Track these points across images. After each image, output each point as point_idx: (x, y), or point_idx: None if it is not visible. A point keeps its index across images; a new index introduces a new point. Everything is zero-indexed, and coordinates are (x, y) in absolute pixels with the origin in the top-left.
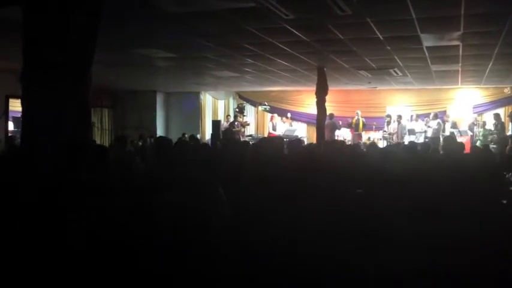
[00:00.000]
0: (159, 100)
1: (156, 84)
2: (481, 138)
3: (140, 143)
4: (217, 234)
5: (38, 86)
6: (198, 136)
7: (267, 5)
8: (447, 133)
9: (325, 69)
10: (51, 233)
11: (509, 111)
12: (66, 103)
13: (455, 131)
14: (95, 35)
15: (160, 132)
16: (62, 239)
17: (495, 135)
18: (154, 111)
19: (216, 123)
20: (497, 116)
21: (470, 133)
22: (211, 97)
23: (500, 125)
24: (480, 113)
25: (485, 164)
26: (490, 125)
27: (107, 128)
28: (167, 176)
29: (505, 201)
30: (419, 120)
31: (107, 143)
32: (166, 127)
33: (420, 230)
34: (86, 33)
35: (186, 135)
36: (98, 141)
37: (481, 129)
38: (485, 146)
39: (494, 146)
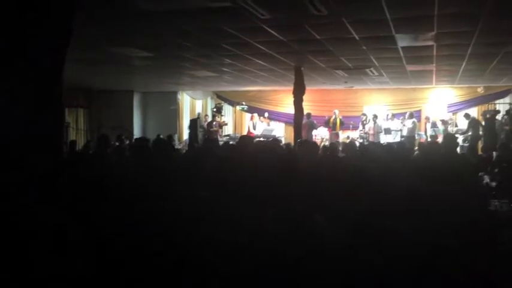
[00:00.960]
0: (136, 100)
1: (133, 84)
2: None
3: (117, 144)
4: (195, 237)
5: (7, 86)
6: (176, 136)
7: (243, 4)
8: (429, 132)
9: (302, 68)
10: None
11: (482, 110)
12: (37, 103)
13: (431, 130)
14: (68, 34)
15: (137, 132)
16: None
17: (468, 134)
18: (131, 111)
19: (193, 122)
20: (467, 116)
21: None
22: (189, 97)
23: (470, 124)
24: (454, 112)
25: (460, 165)
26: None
27: (82, 129)
28: (145, 178)
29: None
30: (395, 119)
31: (82, 144)
32: (144, 127)
33: (398, 229)
34: (58, 32)
35: (162, 136)
36: None
37: (442, 127)
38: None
39: (466, 144)
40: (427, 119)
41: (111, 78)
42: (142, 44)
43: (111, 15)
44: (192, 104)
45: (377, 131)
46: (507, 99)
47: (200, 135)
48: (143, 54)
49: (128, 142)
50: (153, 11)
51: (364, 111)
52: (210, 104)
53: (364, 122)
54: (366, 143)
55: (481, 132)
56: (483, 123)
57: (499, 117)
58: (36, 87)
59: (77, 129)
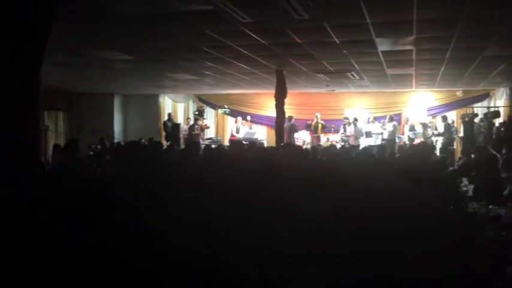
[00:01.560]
0: (117, 103)
1: (113, 87)
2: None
3: (99, 147)
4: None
5: None
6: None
7: (225, 8)
8: (406, 135)
9: (283, 72)
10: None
11: (461, 113)
12: (11, 107)
13: (410, 133)
14: (45, 38)
15: (118, 135)
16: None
17: (445, 137)
18: (112, 114)
19: (176, 126)
20: (444, 118)
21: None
22: (170, 100)
23: (446, 127)
24: (434, 115)
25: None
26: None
27: (62, 132)
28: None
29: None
30: (376, 123)
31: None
32: (124, 131)
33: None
34: (34, 35)
35: (143, 140)
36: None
37: (421, 130)
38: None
39: (440, 146)
40: (406, 120)
41: (91, 81)
42: (123, 47)
43: (91, 18)
44: (173, 107)
45: (357, 135)
46: (485, 103)
47: (182, 139)
48: (123, 57)
49: (108, 146)
50: (133, 14)
51: (346, 115)
52: (192, 107)
53: (346, 126)
54: (347, 146)
55: (460, 135)
56: (461, 126)
57: (477, 120)
58: (9, 91)
59: (56, 132)
